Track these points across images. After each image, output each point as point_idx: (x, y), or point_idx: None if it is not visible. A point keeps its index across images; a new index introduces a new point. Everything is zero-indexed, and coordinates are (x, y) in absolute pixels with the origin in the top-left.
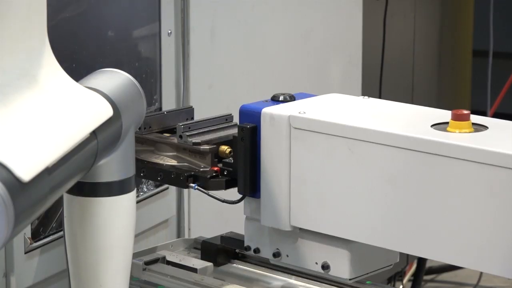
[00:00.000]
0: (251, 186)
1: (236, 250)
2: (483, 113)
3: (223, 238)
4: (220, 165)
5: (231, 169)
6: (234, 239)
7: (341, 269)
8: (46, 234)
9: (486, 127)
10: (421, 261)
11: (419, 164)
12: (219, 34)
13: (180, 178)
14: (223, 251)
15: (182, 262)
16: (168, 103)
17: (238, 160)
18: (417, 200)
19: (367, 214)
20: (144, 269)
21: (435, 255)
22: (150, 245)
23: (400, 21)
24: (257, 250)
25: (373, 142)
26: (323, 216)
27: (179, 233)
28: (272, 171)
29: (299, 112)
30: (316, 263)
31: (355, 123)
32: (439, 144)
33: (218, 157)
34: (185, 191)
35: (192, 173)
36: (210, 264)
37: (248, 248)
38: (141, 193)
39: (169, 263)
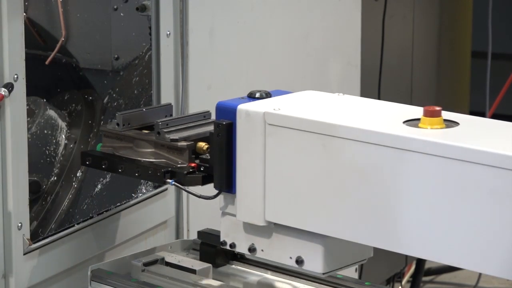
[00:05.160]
0: (227, 182)
1: (236, 252)
2: (482, 114)
3: (200, 233)
4: (197, 161)
5: (207, 165)
6: (211, 234)
7: (315, 263)
8: (45, 235)
9: (457, 123)
10: (420, 262)
11: (391, 160)
12: (218, 35)
13: (157, 174)
14: (222, 252)
15: (181, 263)
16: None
17: (214, 156)
18: (389, 196)
19: (341, 209)
20: (143, 270)
21: (407, 250)
22: (149, 246)
23: (399, 22)
24: (233, 245)
25: (346, 138)
26: (297, 211)
27: (178, 234)
28: (247, 167)
29: (274, 109)
30: (291, 257)
31: (328, 119)
32: (410, 140)
33: (195, 153)
34: (184, 192)
35: (169, 169)
36: (209, 265)
37: (224, 243)
38: (140, 194)
39: (168, 264)
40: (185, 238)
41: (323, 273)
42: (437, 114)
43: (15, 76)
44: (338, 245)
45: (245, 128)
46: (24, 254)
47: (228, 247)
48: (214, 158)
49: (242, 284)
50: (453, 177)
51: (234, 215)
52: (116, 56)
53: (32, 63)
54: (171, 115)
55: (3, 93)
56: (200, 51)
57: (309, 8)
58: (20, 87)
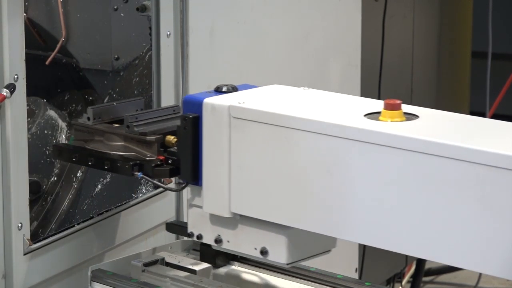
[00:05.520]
0: (194, 174)
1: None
2: (482, 114)
3: (168, 225)
4: (165, 154)
5: (175, 158)
6: (178, 225)
7: (279, 254)
8: (45, 235)
9: (417, 116)
10: (420, 262)
11: (352, 152)
12: (219, 35)
13: (126, 167)
14: (222, 252)
15: (181, 264)
16: (168, 104)
17: (181, 149)
18: (350, 187)
19: (304, 201)
20: (143, 271)
21: (367, 240)
22: (149, 247)
23: (399, 22)
24: (199, 236)
25: (307, 131)
26: (261, 203)
27: (178, 235)
28: (213, 159)
29: (239, 102)
30: (255, 248)
31: (291, 112)
32: (370, 133)
33: (164, 146)
34: (184, 192)
35: (138, 162)
36: (209, 265)
37: (191, 235)
38: (140, 195)
39: (168, 264)
40: (185, 238)
41: (287, 264)
42: (397, 107)
43: (15, 76)
44: (301, 236)
45: (211, 121)
46: (24, 255)
47: (195, 239)
48: (181, 151)
49: (242, 284)
50: (412, 169)
51: (200, 207)
52: (116, 56)
53: (32, 63)
54: (142, 109)
55: (4, 93)
56: (200, 51)
57: (309, 8)
58: (20, 87)
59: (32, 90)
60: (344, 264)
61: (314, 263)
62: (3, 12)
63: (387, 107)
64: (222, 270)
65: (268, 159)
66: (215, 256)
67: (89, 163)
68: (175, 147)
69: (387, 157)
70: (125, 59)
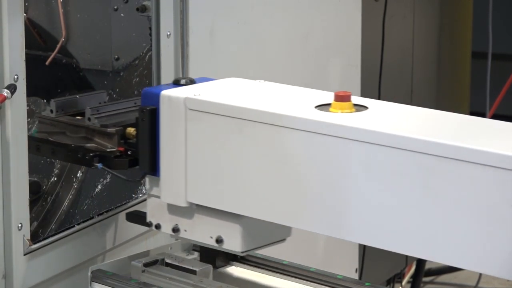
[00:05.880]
0: (151, 165)
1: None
2: (483, 115)
3: (128, 215)
4: (125, 145)
5: (134, 149)
6: (138, 215)
7: (234, 242)
8: (45, 235)
9: (366, 108)
10: (420, 262)
11: (303, 143)
12: (219, 35)
13: (86, 158)
14: (222, 253)
15: (181, 264)
16: None
17: (139, 140)
18: (302, 177)
19: (257, 190)
20: (143, 271)
21: (318, 229)
22: (149, 247)
23: (399, 22)
24: (158, 226)
25: (260, 122)
26: (216, 193)
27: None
28: (170, 150)
29: (194, 94)
30: (211, 237)
31: (244, 104)
32: (321, 124)
33: (125, 138)
34: None
35: (98, 153)
36: (209, 266)
37: (150, 224)
38: (140, 195)
39: (168, 265)
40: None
41: (242, 252)
42: (346, 99)
43: (15, 76)
44: (256, 225)
45: (168, 113)
46: (25, 255)
47: (154, 228)
48: (139, 142)
49: (242, 284)
50: (360, 158)
51: (158, 197)
52: (116, 56)
53: (33, 63)
54: (104, 102)
55: (5, 94)
56: (200, 51)
57: (309, 8)
58: (21, 88)
59: (32, 90)
60: (344, 264)
61: (314, 264)
62: (3, 12)
63: (337, 98)
64: (222, 270)
65: (222, 150)
66: (215, 256)
67: (51, 154)
68: (135, 139)
69: (336, 147)
70: (125, 60)
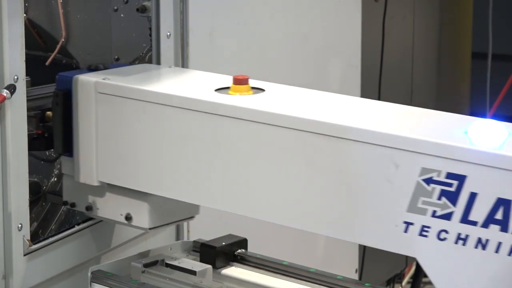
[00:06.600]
0: (65, 146)
1: (235, 253)
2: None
3: (47, 194)
4: (44, 128)
5: (51, 131)
6: (56, 195)
7: (142, 219)
8: (45, 236)
9: (263, 90)
10: None
11: (203, 124)
12: (219, 35)
13: None
14: (222, 253)
15: (181, 265)
16: None
17: (54, 123)
18: (204, 156)
19: (162, 169)
20: (143, 272)
21: (220, 205)
22: (149, 248)
23: (399, 23)
24: (73, 205)
25: (162, 104)
26: (125, 172)
27: (178, 236)
28: (82, 132)
29: (104, 79)
30: (121, 214)
31: (148, 87)
32: (218, 106)
33: (45, 121)
34: None
35: None
36: (209, 266)
37: (66, 203)
38: None
39: (168, 265)
40: (185, 239)
41: (149, 228)
42: (244, 82)
43: (15, 77)
44: (163, 203)
45: (80, 97)
46: (24, 255)
47: (69, 207)
48: (54, 125)
49: (242, 285)
50: (250, 136)
51: (72, 177)
52: (116, 57)
53: (33, 63)
54: (28, 88)
55: (5, 94)
56: (200, 51)
57: (309, 8)
58: (20, 88)
59: None
60: (344, 265)
61: (314, 264)
62: (3, 12)
63: (236, 82)
64: (222, 270)
65: (130, 131)
66: (215, 257)
67: None
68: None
69: (235, 128)
70: (125, 60)
